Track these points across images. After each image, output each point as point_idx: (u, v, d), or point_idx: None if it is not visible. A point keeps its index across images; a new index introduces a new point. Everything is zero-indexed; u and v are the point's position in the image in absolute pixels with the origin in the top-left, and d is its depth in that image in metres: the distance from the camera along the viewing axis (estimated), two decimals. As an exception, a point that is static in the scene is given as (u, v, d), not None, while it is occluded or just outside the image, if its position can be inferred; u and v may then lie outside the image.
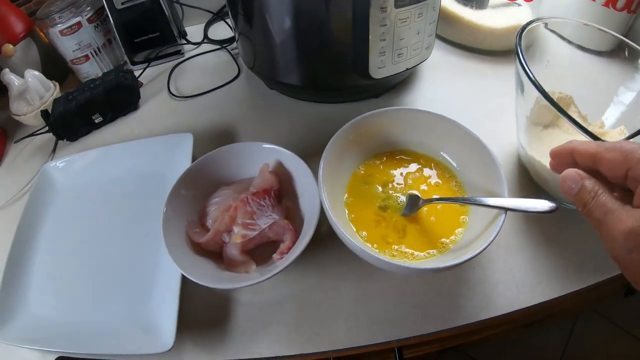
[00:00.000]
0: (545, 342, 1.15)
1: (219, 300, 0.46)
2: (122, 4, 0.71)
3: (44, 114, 0.64)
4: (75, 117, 0.64)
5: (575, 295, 0.42)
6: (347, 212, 0.45)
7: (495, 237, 0.36)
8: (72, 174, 0.60)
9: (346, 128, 0.46)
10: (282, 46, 0.55)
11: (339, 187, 0.47)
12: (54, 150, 0.66)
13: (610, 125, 0.47)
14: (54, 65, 0.78)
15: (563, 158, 0.30)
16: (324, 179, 0.42)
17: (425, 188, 0.46)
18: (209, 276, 0.42)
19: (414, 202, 0.44)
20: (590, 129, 0.35)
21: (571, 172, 0.28)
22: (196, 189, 0.49)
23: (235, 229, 0.45)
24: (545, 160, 0.35)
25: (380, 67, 0.53)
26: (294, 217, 0.47)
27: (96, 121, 0.65)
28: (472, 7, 0.66)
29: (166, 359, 0.43)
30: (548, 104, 0.37)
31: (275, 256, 0.44)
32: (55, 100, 0.66)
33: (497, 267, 0.43)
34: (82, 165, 0.60)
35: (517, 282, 0.42)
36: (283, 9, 0.50)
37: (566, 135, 0.39)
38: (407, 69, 0.56)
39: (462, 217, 0.43)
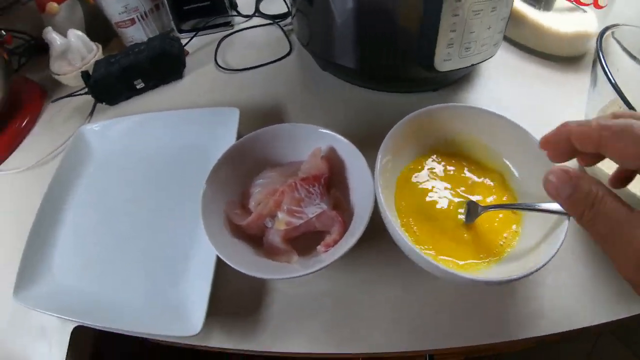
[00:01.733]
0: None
1: (252, 287, 0.44)
2: (175, -32, 0.70)
3: (85, 75, 0.64)
4: (116, 81, 0.64)
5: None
6: (397, 212, 0.43)
7: (561, 246, 0.33)
8: (109, 138, 0.59)
9: (407, 120, 0.44)
10: (342, 26, 0.53)
11: (391, 183, 0.44)
12: (91, 113, 0.66)
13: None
14: (98, 28, 0.79)
15: (559, 146, 0.26)
16: (381, 173, 0.40)
17: (480, 197, 0.43)
18: (247, 262, 0.41)
19: (473, 210, 0.41)
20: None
21: (557, 170, 0.24)
22: (240, 168, 0.47)
23: (280, 215, 0.43)
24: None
25: (447, 59, 0.51)
26: (342, 208, 0.45)
27: (137, 87, 0.65)
28: (539, 8, 0.65)
29: (189, 342, 0.43)
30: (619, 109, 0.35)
31: (319, 248, 0.42)
32: (97, 63, 0.66)
33: (546, 283, 0.41)
34: (120, 131, 0.59)
35: (565, 303, 0.40)
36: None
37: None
38: (473, 64, 0.54)
39: (514, 225, 0.41)
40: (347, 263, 0.44)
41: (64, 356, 0.46)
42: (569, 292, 0.40)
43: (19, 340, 0.48)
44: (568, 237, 0.34)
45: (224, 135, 0.53)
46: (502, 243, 0.40)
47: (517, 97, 0.58)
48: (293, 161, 0.49)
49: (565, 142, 0.26)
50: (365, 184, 0.42)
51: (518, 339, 0.38)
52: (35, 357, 0.47)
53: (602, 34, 0.43)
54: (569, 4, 0.64)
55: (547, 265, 0.36)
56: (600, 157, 0.24)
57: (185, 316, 0.42)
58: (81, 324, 0.47)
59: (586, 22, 0.62)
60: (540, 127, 0.41)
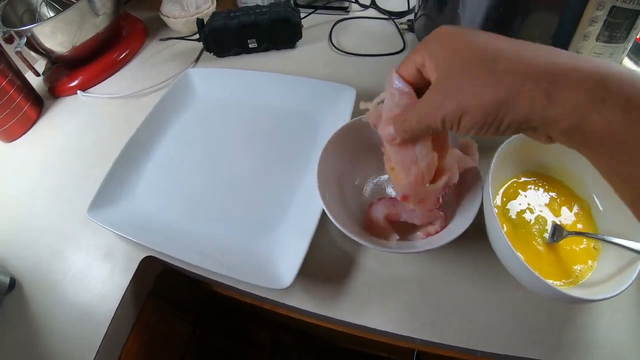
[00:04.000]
0: None
1: (343, 258, 0.46)
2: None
3: (200, 22, 0.67)
4: (231, 35, 0.67)
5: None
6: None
7: (632, 283, 0.36)
8: (216, 86, 0.62)
9: (516, 138, 0.46)
10: None
11: (494, 190, 0.47)
12: (197, 60, 0.69)
13: None
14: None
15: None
16: (492, 179, 0.42)
17: (567, 222, 0.46)
18: (349, 227, 0.42)
19: (558, 232, 0.44)
20: None
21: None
22: (351, 144, 0.49)
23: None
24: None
25: None
26: (446, 203, 0.46)
27: (250, 46, 0.68)
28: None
29: (270, 294, 0.45)
30: None
31: (419, 234, 0.44)
32: (215, 14, 0.70)
33: (603, 320, 0.42)
34: (229, 81, 0.62)
35: (614, 342, 0.41)
36: (483, 4, 0.53)
37: None
38: None
39: (590, 260, 0.44)
40: (438, 255, 0.46)
41: (126, 285, 0.47)
42: (621, 335, 0.42)
43: (82, 258, 0.50)
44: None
45: (337, 110, 0.55)
46: (577, 271, 0.42)
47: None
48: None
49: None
50: (474, 186, 0.44)
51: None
52: (93, 279, 0.48)
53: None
54: None
55: (606, 304, 0.40)
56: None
57: (275, 269, 0.43)
58: (152, 256, 0.48)
59: None
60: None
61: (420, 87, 0.34)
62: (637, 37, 0.65)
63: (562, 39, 0.50)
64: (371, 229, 0.44)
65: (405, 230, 0.45)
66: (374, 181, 0.50)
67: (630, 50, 0.67)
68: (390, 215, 0.45)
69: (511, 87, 0.26)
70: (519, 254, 0.37)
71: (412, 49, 0.33)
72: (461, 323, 0.42)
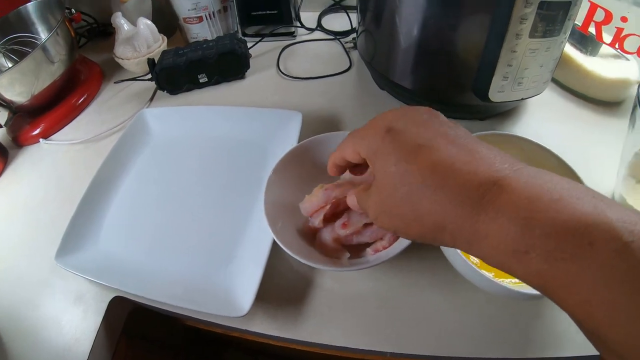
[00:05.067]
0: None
1: (300, 280, 0.49)
2: (248, -26, 0.78)
3: (151, 62, 0.71)
4: (182, 72, 0.70)
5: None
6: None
7: None
8: (169, 124, 0.66)
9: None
10: (406, 49, 0.60)
11: None
12: (151, 99, 0.72)
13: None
14: (164, 21, 0.87)
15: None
16: None
17: None
18: (301, 252, 0.45)
19: None
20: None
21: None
22: (299, 168, 0.52)
23: (337, 223, 0.47)
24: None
25: (500, 91, 0.57)
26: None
27: (201, 80, 0.72)
28: (585, 52, 0.71)
29: (233, 322, 0.47)
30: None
31: (368, 251, 0.46)
32: (164, 52, 0.73)
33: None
34: (181, 118, 0.66)
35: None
36: (418, 14, 0.55)
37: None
38: (523, 98, 0.60)
39: None
40: (395, 267, 0.49)
41: (98, 326, 0.50)
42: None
43: (55, 303, 0.53)
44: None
45: (284, 136, 0.59)
46: None
47: (557, 134, 0.63)
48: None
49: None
50: None
51: (541, 357, 0.42)
52: (66, 322, 0.51)
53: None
54: (613, 51, 0.68)
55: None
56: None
57: (233, 297, 0.46)
58: (120, 295, 0.51)
59: (628, 70, 0.68)
60: (578, 165, 0.47)
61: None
62: (578, 26, 0.69)
63: (496, 40, 0.51)
64: (323, 250, 0.47)
65: (359, 247, 0.47)
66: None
67: (573, 39, 0.71)
68: (339, 237, 0.47)
69: (435, 226, 0.28)
70: (464, 257, 0.40)
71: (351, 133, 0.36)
72: (427, 331, 0.44)
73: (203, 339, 0.63)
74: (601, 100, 0.71)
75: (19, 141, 0.75)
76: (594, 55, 0.70)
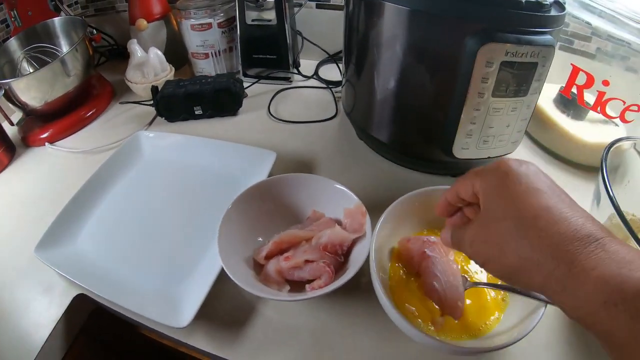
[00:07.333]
0: None
1: (244, 306, 0.54)
2: (252, 20, 0.88)
3: (154, 89, 0.80)
4: (180, 102, 0.79)
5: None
6: (389, 275, 0.52)
7: (532, 329, 0.40)
8: (159, 147, 0.74)
9: (410, 196, 0.53)
10: (380, 102, 0.65)
11: (387, 248, 0.54)
12: (150, 123, 0.81)
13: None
14: (175, 53, 0.97)
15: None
16: (378, 235, 0.50)
17: (473, 274, 0.51)
18: (244, 279, 0.51)
19: (462, 282, 0.49)
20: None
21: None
22: (261, 205, 0.59)
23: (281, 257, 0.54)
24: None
25: (464, 148, 0.59)
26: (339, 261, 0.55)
27: (196, 112, 0.81)
28: (568, 115, 0.72)
29: (174, 335, 0.52)
30: (620, 222, 0.41)
31: (307, 287, 0.52)
32: (167, 82, 0.82)
33: None
34: (171, 144, 0.74)
35: None
36: (392, 70, 0.60)
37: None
38: (490, 157, 0.62)
39: (497, 312, 0.47)
40: (334, 307, 0.53)
41: (59, 317, 0.55)
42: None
43: (26, 291, 0.59)
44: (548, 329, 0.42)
45: (257, 172, 0.66)
46: (482, 325, 0.46)
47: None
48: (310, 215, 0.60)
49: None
50: (364, 243, 0.53)
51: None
52: (32, 311, 0.56)
53: (609, 147, 0.50)
54: (602, 116, 0.67)
55: (531, 347, 0.45)
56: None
57: (180, 310, 0.52)
58: (83, 293, 0.57)
59: (615, 135, 0.63)
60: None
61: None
62: (562, 89, 0.69)
63: (459, 97, 0.53)
64: (266, 281, 0.53)
65: (299, 285, 0.52)
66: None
67: (557, 101, 0.73)
68: (282, 270, 0.53)
69: (531, 262, 0.30)
70: (394, 310, 0.42)
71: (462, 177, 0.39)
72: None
73: (157, 352, 0.68)
74: (582, 164, 0.71)
75: (27, 141, 0.83)
76: (580, 119, 0.71)
